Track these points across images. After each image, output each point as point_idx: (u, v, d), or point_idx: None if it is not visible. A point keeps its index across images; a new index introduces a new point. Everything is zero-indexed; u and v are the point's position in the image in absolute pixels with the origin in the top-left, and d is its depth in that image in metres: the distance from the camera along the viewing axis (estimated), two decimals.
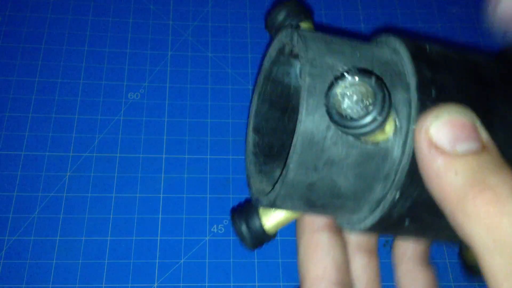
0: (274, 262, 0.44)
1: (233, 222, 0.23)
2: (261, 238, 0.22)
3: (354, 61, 0.17)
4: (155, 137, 0.49)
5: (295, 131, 0.16)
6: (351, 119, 0.15)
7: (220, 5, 0.57)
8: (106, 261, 0.43)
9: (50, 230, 0.44)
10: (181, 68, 0.52)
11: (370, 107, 0.14)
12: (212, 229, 0.45)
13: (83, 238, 0.44)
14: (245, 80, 0.52)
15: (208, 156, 0.48)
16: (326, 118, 0.16)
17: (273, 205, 0.18)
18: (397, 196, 0.16)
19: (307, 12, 0.24)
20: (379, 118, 0.14)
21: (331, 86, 0.15)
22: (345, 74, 0.15)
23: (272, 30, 0.25)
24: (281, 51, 0.20)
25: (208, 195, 0.46)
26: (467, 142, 0.14)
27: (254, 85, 0.23)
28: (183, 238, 0.44)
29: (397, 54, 0.18)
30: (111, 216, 0.45)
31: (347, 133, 0.15)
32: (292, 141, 0.22)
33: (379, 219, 0.17)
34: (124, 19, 0.55)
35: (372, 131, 0.15)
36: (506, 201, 0.13)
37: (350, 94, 0.15)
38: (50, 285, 0.41)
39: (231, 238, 0.44)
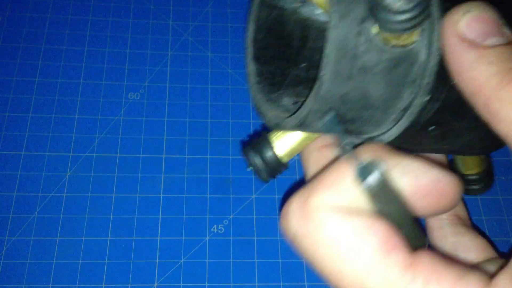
0: (274, 262, 0.44)
1: (245, 155, 0.22)
2: (275, 167, 0.22)
3: None
4: (155, 137, 0.49)
5: (327, 40, 0.16)
6: (395, 12, 0.14)
7: (220, 5, 0.57)
8: (106, 261, 0.43)
9: (50, 230, 0.44)
10: (181, 68, 0.52)
11: (414, 2, 0.14)
12: (212, 229, 0.45)
13: (83, 238, 0.44)
14: (245, 80, 0.52)
15: (208, 156, 0.48)
16: (357, 23, 0.15)
17: (301, 124, 0.18)
18: (426, 99, 0.16)
19: None
20: (422, 14, 0.14)
21: None
22: None
23: None
24: None
25: (208, 195, 0.46)
26: (496, 36, 0.15)
27: (247, 12, 0.23)
28: (183, 238, 0.44)
29: None
30: (111, 216, 0.45)
31: (385, 30, 0.15)
32: (291, 69, 0.22)
33: (406, 126, 0.17)
34: (124, 19, 0.55)
35: (413, 27, 0.15)
36: None
37: None
38: (50, 285, 0.41)
39: (231, 238, 0.44)
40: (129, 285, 0.42)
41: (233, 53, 0.54)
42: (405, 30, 0.15)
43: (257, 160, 0.21)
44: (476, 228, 0.24)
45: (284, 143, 0.22)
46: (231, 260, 0.43)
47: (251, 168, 0.22)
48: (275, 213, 0.45)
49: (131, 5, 0.56)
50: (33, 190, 0.45)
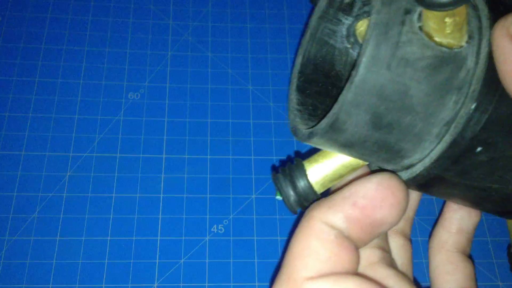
0: (274, 262, 0.44)
1: (276, 182, 0.21)
2: (307, 198, 0.20)
3: None
4: (155, 137, 0.49)
5: (369, 23, 0.15)
6: None
7: (220, 5, 0.57)
8: (106, 261, 0.43)
9: (50, 230, 0.44)
10: (181, 68, 0.52)
11: None
12: (212, 229, 0.45)
13: (83, 238, 0.44)
14: (245, 80, 0.52)
15: (208, 156, 0.48)
16: (401, 13, 0.15)
17: (334, 123, 0.16)
18: (472, 109, 0.15)
19: None
20: None
21: None
22: None
23: None
24: (331, 2, 0.20)
25: (208, 195, 0.46)
26: None
27: (298, 46, 0.22)
28: (183, 238, 0.44)
29: None
30: (111, 216, 0.45)
31: (429, 7, 0.14)
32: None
33: (449, 144, 0.16)
34: (124, 19, 0.55)
35: (456, 2, 0.13)
36: None
37: None
38: (50, 285, 0.41)
39: (231, 238, 0.44)
40: (129, 285, 0.42)
41: (233, 53, 0.54)
42: (449, 5, 0.13)
43: (288, 190, 0.20)
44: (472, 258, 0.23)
45: (318, 171, 0.20)
46: (231, 260, 0.43)
47: (280, 197, 0.21)
48: (275, 213, 0.45)
49: (131, 5, 0.56)
50: (33, 190, 0.45)
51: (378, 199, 0.17)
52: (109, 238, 0.44)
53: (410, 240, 0.23)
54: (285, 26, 0.56)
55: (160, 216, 0.45)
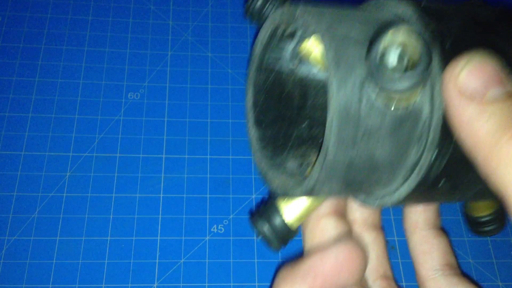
0: (274, 262, 0.44)
1: (253, 224, 0.22)
2: (286, 235, 0.21)
3: (368, 29, 0.16)
4: (155, 137, 0.49)
5: (328, 108, 0.16)
6: (393, 71, 0.14)
7: (220, 5, 0.57)
8: (106, 261, 0.43)
9: (50, 230, 0.44)
10: (181, 68, 0.52)
11: (414, 63, 0.14)
12: (212, 229, 0.45)
13: (83, 238, 0.44)
14: (245, 80, 0.52)
15: (208, 156, 0.48)
16: (357, 88, 0.15)
17: (310, 193, 0.18)
18: (434, 155, 0.16)
19: None
20: (422, 76, 0.14)
21: (375, 39, 0.15)
22: (393, 29, 0.14)
23: (254, 15, 0.24)
24: (273, 34, 0.20)
25: (208, 195, 0.46)
26: (498, 87, 0.14)
27: (246, 77, 0.23)
28: (183, 238, 0.44)
29: (399, 13, 0.18)
30: (111, 216, 0.45)
31: (386, 90, 0.15)
32: (294, 130, 0.22)
33: (416, 185, 0.17)
34: (124, 19, 0.55)
35: (414, 86, 0.14)
36: None
37: (395, 48, 0.14)
38: (50, 285, 0.41)
39: (231, 238, 0.44)
40: (129, 285, 0.42)
41: (233, 53, 0.54)
42: (406, 89, 0.14)
43: (266, 229, 0.21)
44: (465, 275, 0.24)
45: (292, 209, 0.21)
46: (231, 260, 0.43)
47: (260, 237, 0.22)
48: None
49: (131, 5, 0.56)
50: (33, 190, 0.45)
51: (337, 270, 0.18)
52: (109, 238, 0.44)
53: (382, 228, 0.24)
54: None
55: (160, 216, 0.45)
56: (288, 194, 0.19)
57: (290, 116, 0.22)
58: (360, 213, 0.23)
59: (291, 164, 0.21)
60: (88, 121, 0.49)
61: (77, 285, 0.42)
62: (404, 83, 0.14)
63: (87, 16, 0.55)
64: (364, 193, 0.19)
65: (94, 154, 0.47)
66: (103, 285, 0.42)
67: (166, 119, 0.50)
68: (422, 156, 0.17)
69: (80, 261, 0.43)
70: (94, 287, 0.42)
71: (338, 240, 0.19)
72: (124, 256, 0.43)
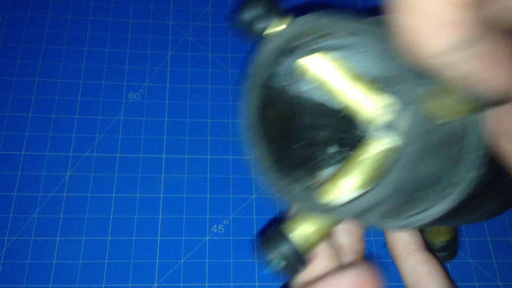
0: None
1: (264, 256, 0.20)
2: (299, 263, 0.20)
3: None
4: (155, 137, 0.49)
5: (398, 125, 0.16)
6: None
7: (220, 5, 0.57)
8: (106, 261, 0.43)
9: (50, 230, 0.44)
10: (181, 68, 0.52)
11: None
12: (212, 229, 0.45)
13: (83, 238, 0.43)
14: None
15: (208, 156, 0.48)
16: (420, 104, 0.16)
17: (358, 215, 0.17)
18: (477, 174, 0.17)
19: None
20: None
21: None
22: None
23: (247, 28, 0.23)
24: (282, 47, 0.19)
25: (208, 195, 0.46)
26: None
27: (244, 92, 0.22)
28: (183, 238, 0.44)
29: None
30: (111, 216, 0.45)
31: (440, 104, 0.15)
32: (290, 149, 0.21)
33: (456, 202, 0.17)
34: (124, 19, 0.55)
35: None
36: None
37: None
38: (50, 285, 0.41)
39: (231, 238, 0.44)
40: (129, 285, 0.42)
41: (233, 53, 0.54)
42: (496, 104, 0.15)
43: (277, 260, 0.20)
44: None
45: (303, 234, 0.20)
46: (231, 260, 0.43)
47: (274, 265, 0.20)
48: (275, 213, 0.45)
49: (131, 5, 0.56)
50: (33, 190, 0.45)
51: None
52: (109, 238, 0.44)
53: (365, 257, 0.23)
54: None
55: (160, 216, 0.45)
56: (333, 212, 0.18)
57: (287, 135, 0.22)
58: (347, 239, 0.22)
59: (301, 184, 0.20)
60: (88, 121, 0.49)
61: (77, 285, 0.42)
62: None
63: (87, 16, 0.55)
64: (395, 214, 0.19)
65: (94, 154, 0.47)
66: (103, 285, 0.42)
67: (166, 119, 0.50)
68: (468, 174, 0.17)
69: (80, 261, 0.43)
70: (94, 287, 0.42)
71: (353, 265, 0.18)
72: (124, 256, 0.43)
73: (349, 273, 0.18)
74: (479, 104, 0.14)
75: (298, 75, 0.21)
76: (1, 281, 0.41)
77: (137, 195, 0.46)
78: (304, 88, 0.21)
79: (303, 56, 0.20)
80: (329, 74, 0.19)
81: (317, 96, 0.21)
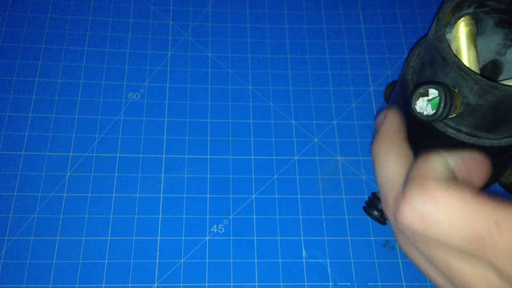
0: (274, 262, 0.44)
1: (367, 212, 0.35)
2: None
3: None
4: (155, 137, 0.49)
5: None
6: None
7: (220, 5, 0.57)
8: (106, 261, 0.43)
9: (50, 230, 0.44)
10: (181, 68, 0.52)
11: None
12: (212, 229, 0.45)
13: (83, 238, 0.44)
14: (245, 80, 0.52)
15: (208, 156, 0.48)
16: None
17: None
18: None
19: None
20: None
21: None
22: None
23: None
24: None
25: (208, 195, 0.46)
26: None
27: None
28: (183, 238, 0.44)
29: None
30: (111, 216, 0.45)
31: None
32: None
33: None
34: (124, 19, 0.55)
35: None
36: None
37: None
38: (50, 285, 0.41)
39: (231, 238, 0.44)
40: (129, 285, 0.42)
41: (233, 53, 0.54)
42: None
43: (375, 213, 0.34)
44: None
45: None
46: (231, 260, 0.43)
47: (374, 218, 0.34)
48: (275, 213, 0.45)
49: (131, 5, 0.56)
50: (33, 190, 0.45)
51: (475, 167, 0.21)
52: (109, 238, 0.44)
53: None
54: (285, 26, 0.56)
55: (160, 216, 0.45)
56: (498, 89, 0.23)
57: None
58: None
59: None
60: (88, 121, 0.49)
61: (77, 285, 0.42)
62: None
63: (87, 16, 0.55)
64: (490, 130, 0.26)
65: (94, 154, 0.47)
66: (103, 285, 0.42)
67: (166, 119, 0.50)
68: None
69: (80, 261, 0.43)
70: (94, 287, 0.42)
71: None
72: (124, 256, 0.43)
73: (471, 152, 0.21)
74: None
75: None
76: (1, 281, 0.41)
77: (137, 195, 0.46)
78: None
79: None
80: None
81: None
